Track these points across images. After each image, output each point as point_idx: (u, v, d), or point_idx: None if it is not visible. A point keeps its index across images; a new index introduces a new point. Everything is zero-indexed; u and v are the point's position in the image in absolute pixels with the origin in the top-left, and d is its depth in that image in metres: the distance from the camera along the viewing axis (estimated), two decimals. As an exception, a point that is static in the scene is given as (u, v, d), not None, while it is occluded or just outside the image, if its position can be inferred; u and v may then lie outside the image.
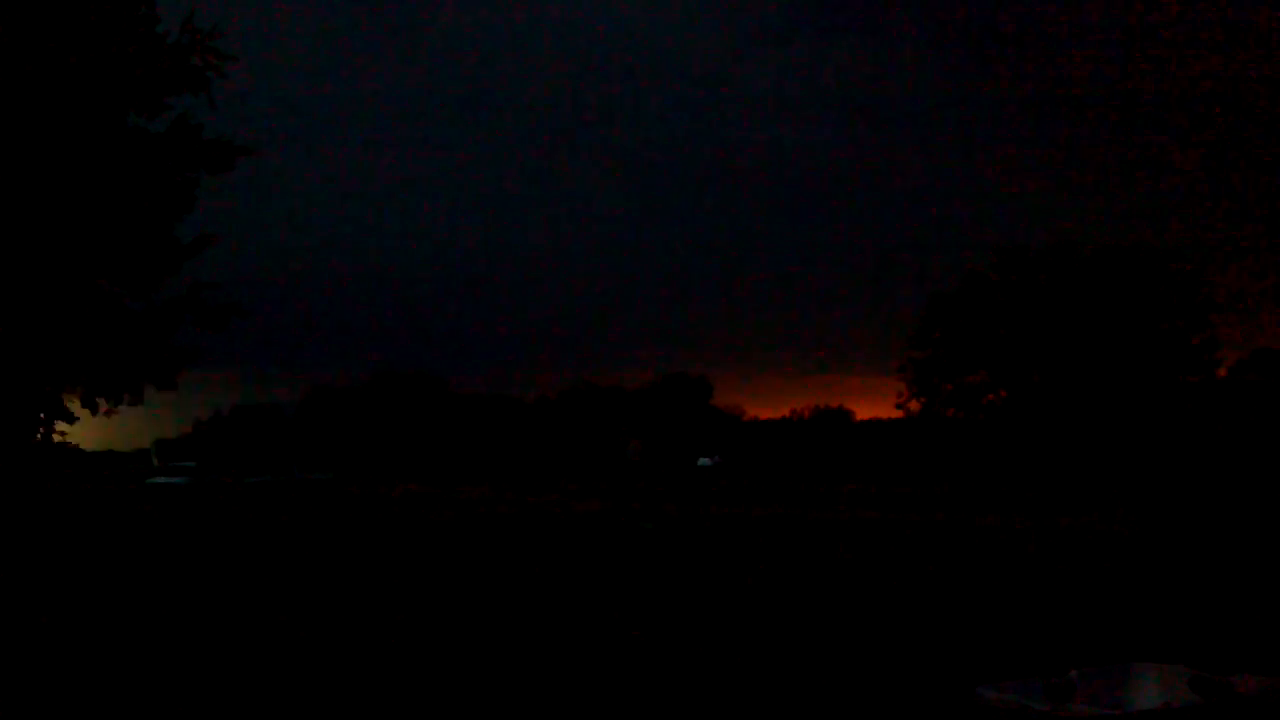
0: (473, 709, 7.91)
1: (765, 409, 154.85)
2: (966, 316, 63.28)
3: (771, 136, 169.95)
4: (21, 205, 18.92)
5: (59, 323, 19.57)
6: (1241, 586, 13.64)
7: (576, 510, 35.44)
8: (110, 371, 20.31)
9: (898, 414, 69.39)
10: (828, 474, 72.39)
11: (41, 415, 20.40)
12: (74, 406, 20.59)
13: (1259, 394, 56.52)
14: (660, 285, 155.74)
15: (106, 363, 20.25)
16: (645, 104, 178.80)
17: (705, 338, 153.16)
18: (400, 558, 19.42)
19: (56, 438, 20.76)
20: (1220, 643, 9.22)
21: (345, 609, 12.79)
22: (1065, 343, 59.37)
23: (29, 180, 18.93)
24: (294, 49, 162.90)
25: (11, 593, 14.03)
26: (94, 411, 20.43)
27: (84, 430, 57.63)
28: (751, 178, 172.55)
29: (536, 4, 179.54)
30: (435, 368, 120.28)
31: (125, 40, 19.24)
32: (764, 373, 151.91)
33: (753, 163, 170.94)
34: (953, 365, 64.15)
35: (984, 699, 5.07)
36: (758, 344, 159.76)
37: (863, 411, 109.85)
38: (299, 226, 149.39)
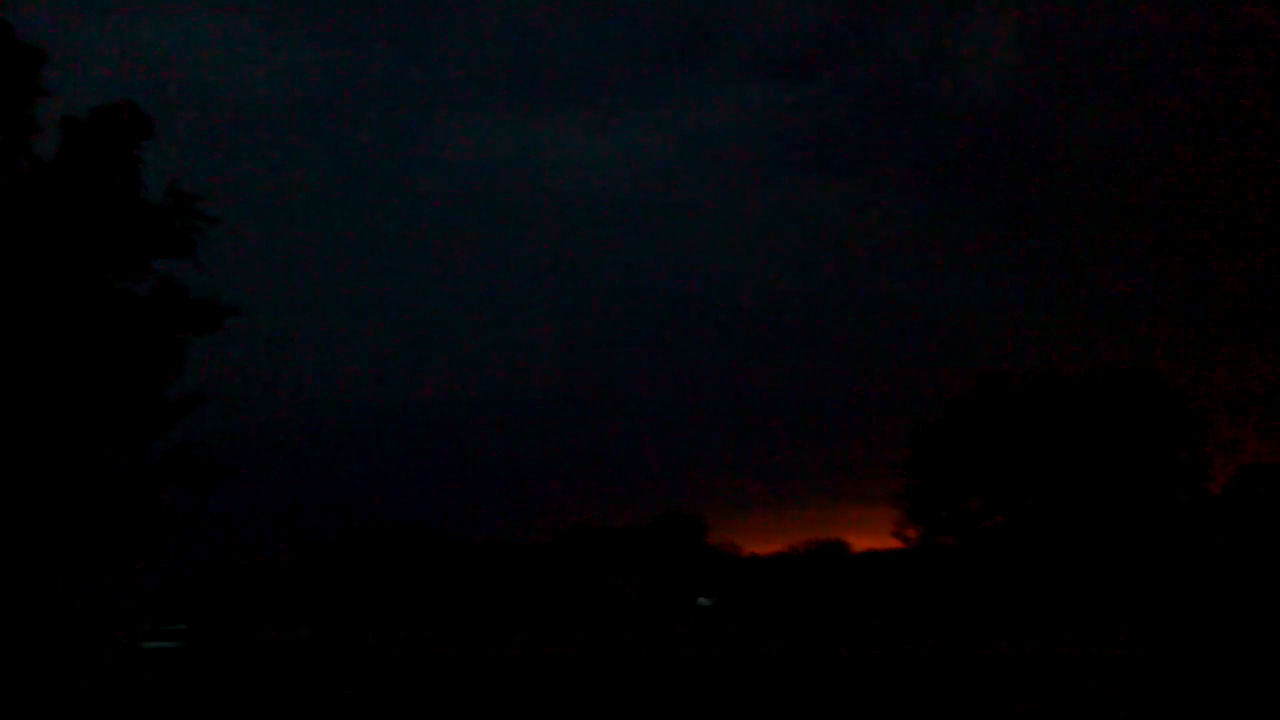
0: None
1: (761, 545, 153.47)
2: (954, 443, 63.23)
3: (757, 274, 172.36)
4: (7, 370, 18.96)
5: (48, 486, 19.43)
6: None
7: (564, 656, 34.82)
8: (97, 535, 20.10)
9: (895, 543, 68.78)
10: (828, 609, 71.40)
11: (34, 580, 20.12)
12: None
13: (1252, 509, 56.34)
14: (649, 424, 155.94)
15: (93, 526, 20.05)
16: (631, 244, 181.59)
17: (696, 475, 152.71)
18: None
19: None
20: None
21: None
22: (1056, 465, 59.27)
23: (14, 345, 19.00)
24: (279, 208, 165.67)
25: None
26: (94, 581, 20.20)
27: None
28: (738, 314, 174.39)
29: (518, 146, 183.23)
30: (426, 517, 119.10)
31: (110, 206, 19.52)
32: (757, 508, 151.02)
33: (739, 299, 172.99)
34: (946, 492, 63.84)
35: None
36: (749, 479, 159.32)
37: (860, 542, 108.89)
38: (284, 381, 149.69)
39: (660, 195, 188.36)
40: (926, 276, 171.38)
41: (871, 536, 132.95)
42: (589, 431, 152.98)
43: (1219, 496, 61.28)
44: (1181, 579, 49.62)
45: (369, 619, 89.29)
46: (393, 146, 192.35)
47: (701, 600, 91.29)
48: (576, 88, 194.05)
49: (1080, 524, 57.94)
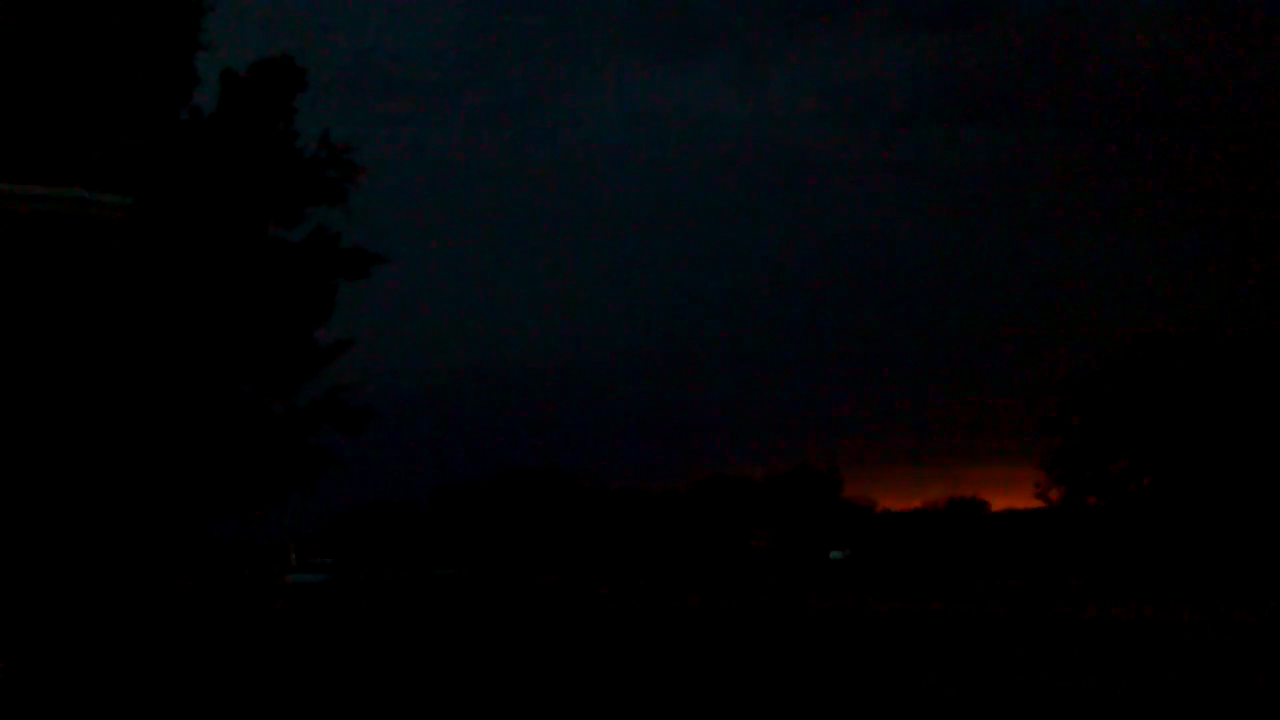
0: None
1: (897, 500, 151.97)
2: (1105, 402, 61.52)
3: (901, 225, 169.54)
4: (170, 314, 19.74)
5: (205, 426, 20.23)
6: None
7: (694, 607, 35.04)
8: (253, 473, 20.90)
9: (1034, 503, 67.46)
10: (964, 566, 70.54)
11: (192, 515, 21.02)
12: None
13: None
14: (790, 376, 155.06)
15: (250, 464, 20.86)
16: (775, 197, 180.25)
17: (836, 429, 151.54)
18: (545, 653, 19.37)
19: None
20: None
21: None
22: (1210, 428, 57.21)
23: (176, 289, 19.76)
24: (427, 157, 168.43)
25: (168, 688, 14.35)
26: (245, 518, 21.07)
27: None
28: (883, 266, 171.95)
29: (661, 99, 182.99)
30: (564, 463, 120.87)
31: (266, 157, 20.11)
32: (895, 464, 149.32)
33: (884, 251, 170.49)
34: (1093, 452, 62.24)
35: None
36: (889, 434, 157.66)
37: (1000, 501, 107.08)
38: (431, 326, 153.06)
39: (801, 147, 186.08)
40: (1076, 230, 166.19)
41: (1012, 496, 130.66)
42: (729, 382, 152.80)
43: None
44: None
45: (503, 561, 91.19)
46: (538, 103, 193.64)
47: (834, 554, 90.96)
48: (719, 40, 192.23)
49: (1234, 489, 55.93)
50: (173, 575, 23.16)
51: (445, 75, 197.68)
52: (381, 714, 12.67)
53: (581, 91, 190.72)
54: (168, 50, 19.55)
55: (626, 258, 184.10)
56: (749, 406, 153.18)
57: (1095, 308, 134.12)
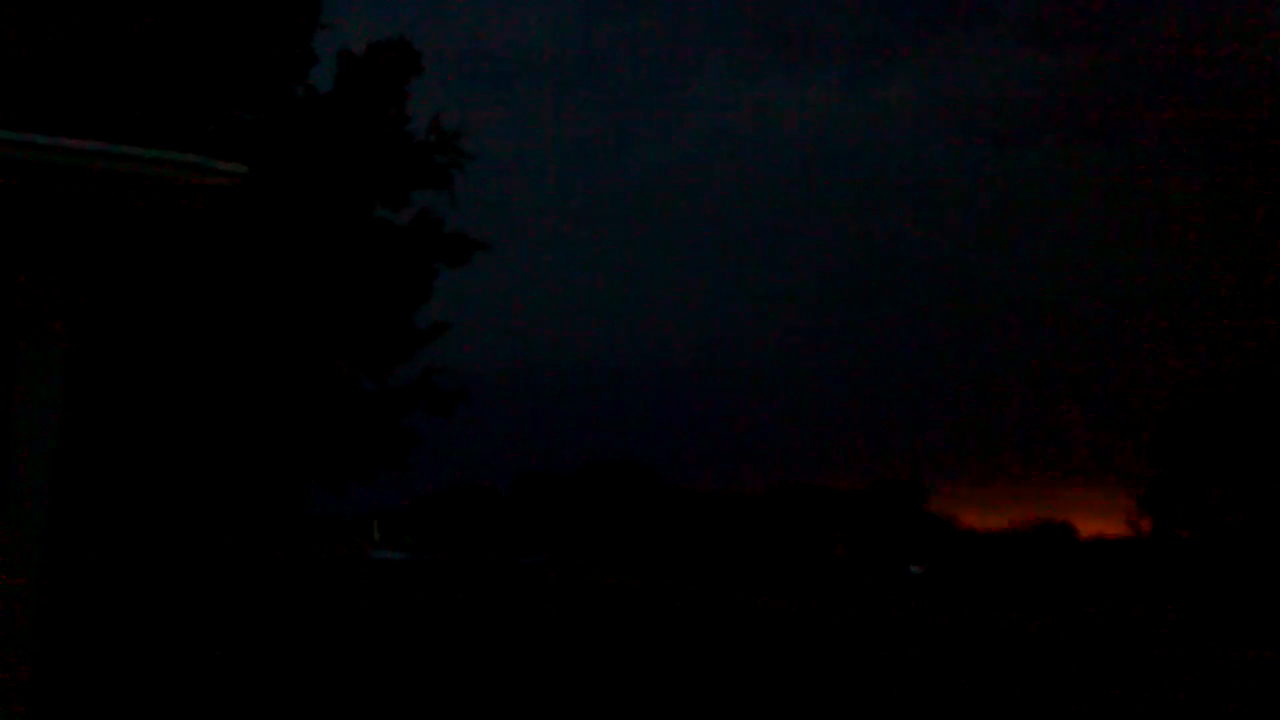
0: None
1: (981, 519, 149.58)
2: (1202, 431, 60.06)
3: (1004, 239, 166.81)
4: (278, 291, 20.08)
5: (303, 402, 20.56)
6: None
7: (779, 610, 34.85)
8: (347, 450, 21.19)
9: (1123, 531, 66.10)
10: (1047, 591, 69.22)
11: (283, 490, 21.38)
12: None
13: None
14: (881, 389, 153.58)
15: (344, 441, 21.16)
16: (873, 206, 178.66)
17: (921, 443, 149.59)
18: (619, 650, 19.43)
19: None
20: None
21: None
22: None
23: (283, 264, 20.09)
24: (534, 148, 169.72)
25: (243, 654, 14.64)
26: (337, 494, 21.39)
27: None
28: (981, 280, 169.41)
29: (773, 99, 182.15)
30: (646, 459, 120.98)
31: (377, 138, 20.37)
32: (982, 482, 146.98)
33: (984, 266, 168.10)
34: (1187, 482, 60.81)
35: None
36: (976, 452, 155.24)
37: (1088, 527, 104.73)
38: (524, 315, 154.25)
39: (908, 156, 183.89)
40: (1184, 256, 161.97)
41: (1101, 522, 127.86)
42: (819, 391, 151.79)
43: None
44: None
45: (585, 552, 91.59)
46: (648, 104, 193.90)
47: (913, 568, 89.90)
48: (830, 46, 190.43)
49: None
50: (267, 548, 23.65)
51: (558, 68, 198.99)
52: (445, 689, 12.77)
53: (693, 91, 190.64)
54: (287, 27, 19.91)
55: (727, 259, 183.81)
56: (837, 416, 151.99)
57: (1197, 333, 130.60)
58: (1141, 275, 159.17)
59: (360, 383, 21.84)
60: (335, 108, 20.24)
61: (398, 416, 21.33)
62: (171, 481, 17.78)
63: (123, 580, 15.29)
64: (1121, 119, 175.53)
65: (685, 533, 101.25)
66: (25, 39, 16.12)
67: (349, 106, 20.24)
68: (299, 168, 19.92)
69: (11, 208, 7.35)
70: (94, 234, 7.85)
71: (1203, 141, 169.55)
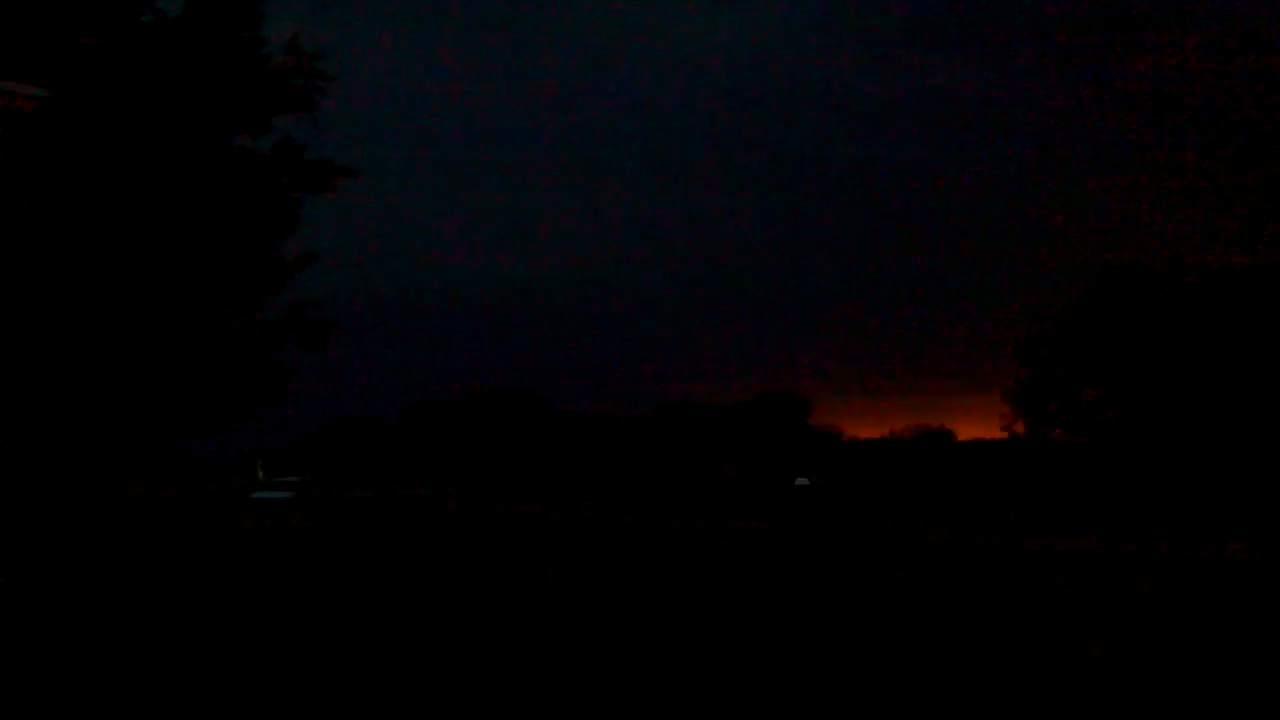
0: None
1: (864, 429, 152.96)
2: (1075, 335, 61.56)
3: (879, 152, 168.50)
4: (132, 225, 19.24)
5: (169, 340, 19.84)
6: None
7: (678, 527, 35.16)
8: (216, 388, 20.54)
9: (1002, 434, 67.80)
10: (929, 496, 71.13)
11: (149, 432, 20.69)
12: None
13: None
14: (759, 304, 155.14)
15: (212, 379, 20.49)
16: (760, 121, 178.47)
17: (803, 356, 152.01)
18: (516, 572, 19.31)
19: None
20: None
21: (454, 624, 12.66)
22: (1182, 362, 57.38)
23: (137, 197, 19.24)
24: (401, 70, 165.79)
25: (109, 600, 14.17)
26: (213, 434, 20.73)
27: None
28: (858, 193, 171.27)
29: (654, 22, 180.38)
30: (534, 385, 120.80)
31: (231, 62, 19.49)
32: (863, 392, 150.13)
33: (860, 178, 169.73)
34: (1060, 384, 62.41)
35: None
36: (857, 363, 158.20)
37: (965, 432, 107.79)
38: (399, 246, 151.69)
39: (791, 70, 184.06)
40: (1054, 160, 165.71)
41: (978, 426, 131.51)
42: (697, 308, 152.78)
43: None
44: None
45: (468, 479, 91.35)
46: (523, 19, 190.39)
47: (800, 480, 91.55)
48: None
49: (1200, 423, 56.30)
50: (139, 488, 22.97)
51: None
52: (337, 622, 12.52)
53: (567, 5, 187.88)
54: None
55: (602, 177, 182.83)
56: (718, 332, 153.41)
57: (1073, 241, 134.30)
58: (1019, 184, 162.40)
59: (228, 319, 21.11)
60: (184, 31, 19.28)
61: (267, 352, 20.69)
62: (26, 425, 17.09)
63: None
64: (991, 30, 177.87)
65: (576, 456, 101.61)
66: None
67: (199, 29, 19.29)
68: (148, 95, 19.01)
69: None
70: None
71: (1059, 41, 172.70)
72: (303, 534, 33.16)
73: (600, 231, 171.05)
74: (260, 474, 79.20)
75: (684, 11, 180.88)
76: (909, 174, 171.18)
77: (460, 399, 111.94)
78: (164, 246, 19.46)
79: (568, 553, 25.13)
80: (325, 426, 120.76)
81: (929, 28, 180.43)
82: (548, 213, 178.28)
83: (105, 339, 18.89)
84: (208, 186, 19.83)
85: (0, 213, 16.45)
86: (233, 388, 20.78)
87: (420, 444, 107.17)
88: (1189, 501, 49.85)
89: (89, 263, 18.76)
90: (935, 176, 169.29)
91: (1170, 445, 56.96)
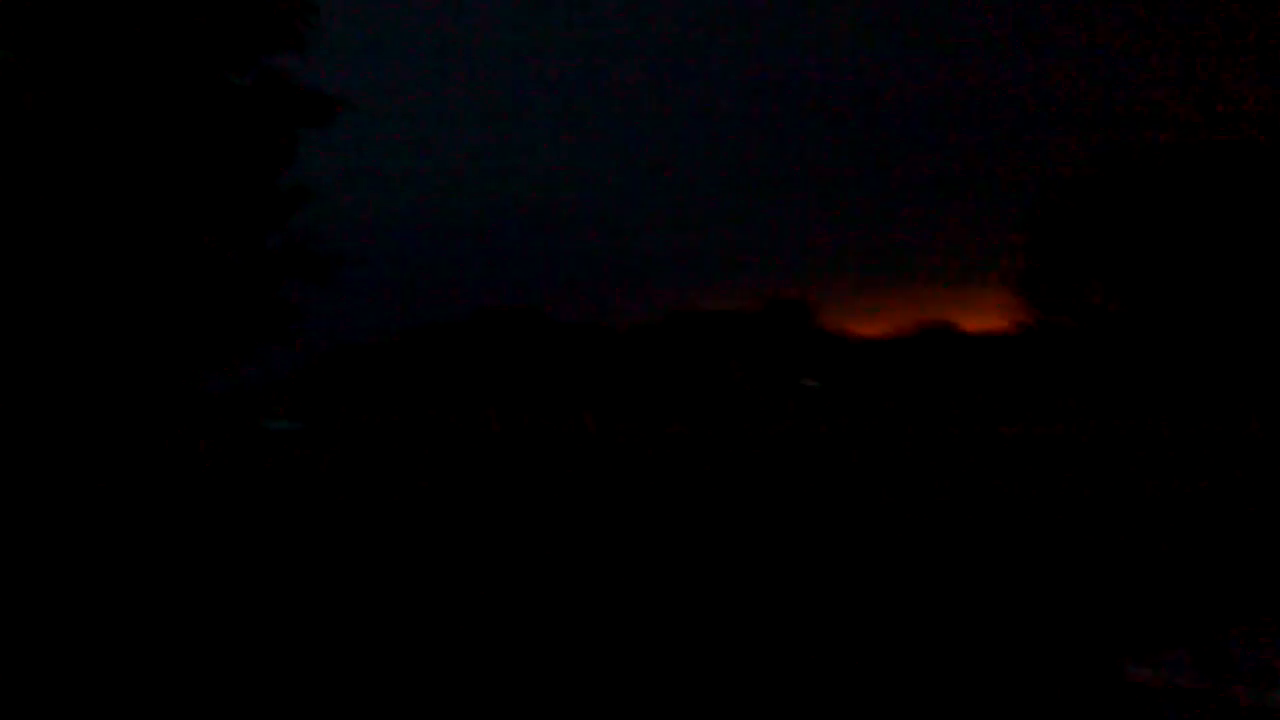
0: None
1: (871, 327, 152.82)
2: (1077, 220, 61.01)
3: (866, 48, 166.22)
4: (125, 166, 19.14)
5: (171, 280, 19.83)
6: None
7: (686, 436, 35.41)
8: (221, 327, 20.59)
9: (1006, 324, 67.56)
10: (932, 389, 71.45)
11: (161, 373, 20.77)
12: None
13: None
14: (761, 206, 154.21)
15: (216, 318, 20.53)
16: (743, 30, 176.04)
17: (808, 258, 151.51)
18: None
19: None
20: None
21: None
22: (1188, 247, 56.91)
23: (128, 141, 19.11)
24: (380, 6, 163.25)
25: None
26: (222, 374, 20.82)
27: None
28: (847, 91, 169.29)
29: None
30: (534, 300, 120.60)
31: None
32: (863, 290, 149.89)
33: (849, 81, 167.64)
34: (1064, 274, 62.07)
35: (1135, 679, 4.43)
36: (860, 261, 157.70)
37: (970, 323, 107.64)
38: (390, 170, 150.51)
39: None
40: (1046, 48, 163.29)
41: (983, 318, 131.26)
42: (697, 215, 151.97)
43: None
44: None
45: (477, 401, 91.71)
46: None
47: (807, 383, 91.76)
48: None
49: (1209, 310, 56.02)
50: (157, 427, 23.11)
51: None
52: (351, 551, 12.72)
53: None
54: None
55: (594, 89, 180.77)
56: (717, 239, 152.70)
57: (1072, 128, 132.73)
58: (1017, 71, 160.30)
59: (229, 256, 21.06)
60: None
61: (270, 288, 20.68)
62: (41, 372, 17.20)
63: None
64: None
65: (584, 370, 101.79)
66: None
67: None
68: (133, 33, 18.78)
69: None
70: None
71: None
72: (307, 463, 33.45)
73: (598, 142, 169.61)
74: (276, 406, 79.63)
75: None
76: (902, 68, 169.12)
77: (462, 318, 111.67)
78: (159, 187, 19.37)
79: (585, 466, 25.39)
80: (329, 354, 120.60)
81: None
82: (542, 125, 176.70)
83: (106, 283, 18.90)
84: (196, 123, 19.66)
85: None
86: (237, 326, 20.81)
87: (424, 365, 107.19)
88: (1189, 387, 49.92)
89: (85, 206, 18.71)
90: (931, 68, 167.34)
91: (1174, 332, 56.80)
